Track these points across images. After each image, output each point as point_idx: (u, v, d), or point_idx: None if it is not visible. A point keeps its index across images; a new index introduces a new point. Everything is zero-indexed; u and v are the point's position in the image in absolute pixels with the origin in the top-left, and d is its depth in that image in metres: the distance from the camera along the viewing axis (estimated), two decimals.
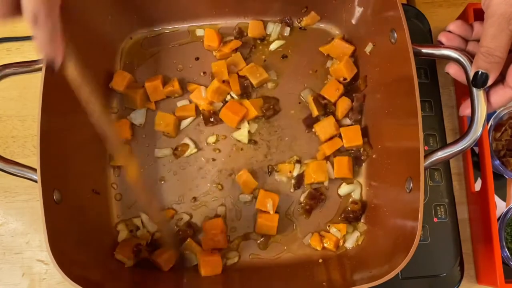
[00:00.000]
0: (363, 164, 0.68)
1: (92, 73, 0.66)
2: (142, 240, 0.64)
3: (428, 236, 0.65)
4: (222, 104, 0.69)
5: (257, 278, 0.63)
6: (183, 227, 0.66)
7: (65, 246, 0.53)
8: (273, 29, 0.72)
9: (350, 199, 0.67)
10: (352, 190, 0.67)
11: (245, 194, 0.67)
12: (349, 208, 0.66)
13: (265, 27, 0.72)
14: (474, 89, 0.51)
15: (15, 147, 0.71)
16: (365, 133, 0.68)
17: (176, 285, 0.63)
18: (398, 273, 0.52)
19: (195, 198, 0.67)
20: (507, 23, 0.47)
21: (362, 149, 0.67)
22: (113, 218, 0.67)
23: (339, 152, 0.68)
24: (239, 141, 0.69)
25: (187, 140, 0.68)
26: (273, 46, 0.72)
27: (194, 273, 0.64)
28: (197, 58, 0.71)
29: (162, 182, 0.68)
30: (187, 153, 0.68)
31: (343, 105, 0.68)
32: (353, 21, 0.69)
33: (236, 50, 0.71)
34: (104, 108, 0.56)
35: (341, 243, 0.65)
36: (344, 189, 0.67)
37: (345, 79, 0.69)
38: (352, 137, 0.67)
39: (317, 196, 0.66)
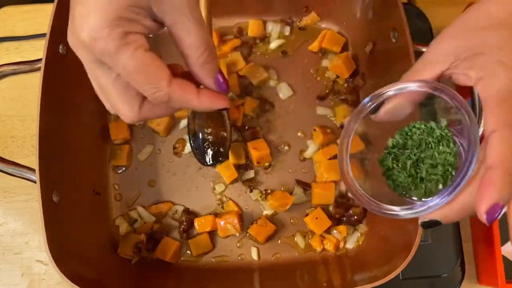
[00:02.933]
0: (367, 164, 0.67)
1: None
2: (141, 235, 0.64)
3: (429, 236, 0.65)
4: None
5: (258, 278, 0.63)
6: (181, 217, 0.65)
7: (64, 246, 0.53)
8: (273, 28, 0.72)
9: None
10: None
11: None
12: (351, 212, 0.65)
13: (265, 27, 0.72)
14: (475, 91, 0.50)
15: (14, 147, 0.71)
16: (364, 135, 0.68)
17: (180, 276, 0.64)
18: (399, 273, 0.52)
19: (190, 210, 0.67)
20: None
21: (365, 151, 0.67)
22: (113, 218, 0.66)
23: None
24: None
25: (184, 136, 0.68)
26: (273, 46, 0.72)
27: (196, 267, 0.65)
28: None
29: (161, 182, 0.67)
30: (186, 150, 0.68)
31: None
32: (353, 21, 0.69)
33: (235, 49, 0.71)
34: None
35: (341, 245, 0.65)
36: None
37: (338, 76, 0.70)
38: (352, 144, 0.67)
39: (344, 203, 0.65)
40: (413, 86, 0.37)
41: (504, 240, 0.66)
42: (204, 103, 0.38)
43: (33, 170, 0.53)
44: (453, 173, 0.36)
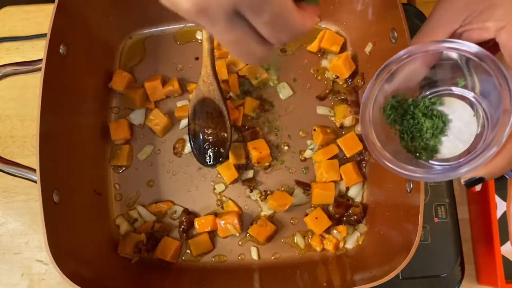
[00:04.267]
0: (367, 164, 0.67)
1: (91, 73, 0.67)
2: (141, 235, 0.64)
3: (428, 236, 0.65)
4: None
5: (258, 278, 0.63)
6: (181, 217, 0.65)
7: (64, 246, 0.53)
8: None
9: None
10: (360, 190, 0.67)
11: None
12: (350, 212, 0.65)
13: None
14: None
15: (14, 147, 0.71)
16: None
17: (180, 276, 0.64)
18: (399, 273, 0.52)
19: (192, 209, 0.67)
20: None
21: (364, 151, 0.67)
22: (113, 218, 0.67)
23: (338, 158, 0.67)
24: None
25: (184, 136, 0.68)
26: None
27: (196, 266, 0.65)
28: (197, 58, 0.71)
29: (161, 182, 0.68)
30: (186, 150, 0.68)
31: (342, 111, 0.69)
32: (353, 21, 0.69)
33: None
34: None
35: (341, 245, 0.65)
36: (353, 191, 0.67)
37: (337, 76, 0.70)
38: (352, 145, 0.67)
39: (344, 203, 0.65)
40: (436, 47, 0.37)
41: (504, 240, 0.66)
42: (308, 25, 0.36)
43: (33, 170, 0.53)
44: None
